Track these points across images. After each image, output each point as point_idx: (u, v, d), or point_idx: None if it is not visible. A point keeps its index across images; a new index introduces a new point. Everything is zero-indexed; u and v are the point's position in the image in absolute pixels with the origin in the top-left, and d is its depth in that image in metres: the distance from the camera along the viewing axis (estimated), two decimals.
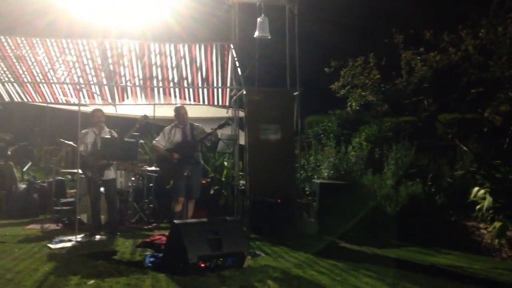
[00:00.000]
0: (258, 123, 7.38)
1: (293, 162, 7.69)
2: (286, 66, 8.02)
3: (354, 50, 7.57)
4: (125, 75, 8.59)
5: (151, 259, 4.94)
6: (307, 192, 8.21)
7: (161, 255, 5.03)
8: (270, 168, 7.26)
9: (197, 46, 8.25)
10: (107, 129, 6.69)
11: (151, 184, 8.01)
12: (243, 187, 7.66)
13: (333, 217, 7.04)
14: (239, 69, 7.66)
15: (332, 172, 8.56)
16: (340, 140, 9.44)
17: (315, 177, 8.80)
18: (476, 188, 6.10)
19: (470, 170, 6.81)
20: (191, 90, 8.91)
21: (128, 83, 8.68)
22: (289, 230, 6.88)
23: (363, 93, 7.13)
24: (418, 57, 6.69)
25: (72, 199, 7.81)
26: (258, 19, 7.82)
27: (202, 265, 4.50)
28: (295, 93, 7.64)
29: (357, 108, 7.53)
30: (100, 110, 6.81)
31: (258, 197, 7.07)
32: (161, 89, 9.04)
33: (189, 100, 9.09)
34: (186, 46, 8.25)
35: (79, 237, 6.05)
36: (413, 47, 6.71)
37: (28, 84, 8.70)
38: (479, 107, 6.97)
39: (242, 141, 7.96)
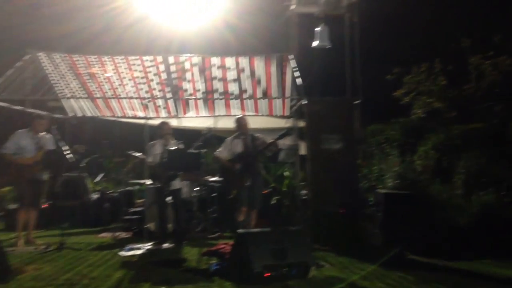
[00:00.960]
0: (319, 133, 7.33)
1: (356, 171, 7.57)
2: (345, 75, 7.94)
3: (417, 56, 7.38)
4: (188, 89, 8.88)
5: (217, 267, 5.03)
6: (371, 203, 8.03)
7: (226, 263, 5.11)
8: (332, 178, 7.18)
9: (256, 58, 8.38)
10: (174, 141, 6.92)
11: (214, 194, 8.17)
12: (305, 197, 7.62)
13: (399, 228, 6.83)
14: (298, 80, 7.67)
15: (397, 182, 8.32)
16: (405, 149, 9.17)
17: (379, 187, 8.59)
18: None
19: None
20: (251, 101, 9.04)
21: (191, 97, 8.96)
22: (353, 241, 6.75)
23: (429, 100, 6.91)
24: (487, 62, 6.40)
25: (140, 209, 8.13)
26: (317, 29, 7.81)
27: (267, 274, 4.52)
28: (356, 102, 7.54)
29: (422, 115, 7.30)
30: (167, 123, 7.07)
31: (320, 207, 7.01)
32: (222, 101, 9.24)
33: (249, 111, 9.22)
34: (246, 58, 8.39)
35: (148, 245, 6.28)
36: (481, 51, 6.43)
37: (99, 100, 9.22)
38: None
39: (302, 151, 7.94)
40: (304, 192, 7.85)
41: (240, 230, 5.04)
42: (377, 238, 6.84)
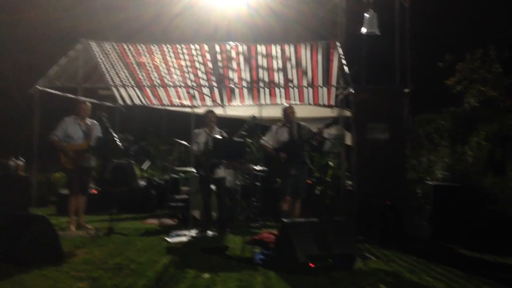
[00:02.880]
0: (366, 122, 7.16)
1: (403, 162, 7.35)
2: (394, 62, 7.70)
3: (471, 42, 7.03)
4: (233, 78, 8.89)
5: (261, 257, 5.04)
6: (419, 194, 7.80)
7: (270, 252, 5.11)
8: (378, 169, 7.00)
9: (303, 46, 8.26)
10: (217, 129, 6.96)
11: (257, 183, 8.19)
12: (350, 188, 7.50)
13: (448, 221, 6.60)
14: (345, 67, 7.50)
15: (447, 173, 8.04)
16: (456, 140, 8.83)
17: (428, 178, 8.33)
18: None
19: None
20: (296, 90, 8.95)
21: (236, 85, 8.97)
22: (399, 233, 6.58)
23: (483, 88, 6.59)
24: None
25: (185, 196, 8.27)
26: (366, 15, 7.60)
27: (311, 265, 4.48)
28: (405, 90, 7.30)
29: (476, 104, 6.98)
30: (211, 111, 7.11)
31: (366, 198, 6.87)
32: (267, 90, 9.20)
33: (294, 100, 9.14)
34: (292, 46, 8.30)
35: (192, 232, 6.38)
36: None
37: (147, 88, 9.40)
38: None
39: (348, 141, 7.79)
40: (349, 182, 7.72)
41: (285, 220, 5.02)
42: (425, 231, 6.65)
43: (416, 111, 9.89)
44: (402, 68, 7.51)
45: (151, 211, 8.39)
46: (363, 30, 7.68)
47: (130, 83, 9.22)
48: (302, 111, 9.26)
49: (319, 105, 9.35)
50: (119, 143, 6.43)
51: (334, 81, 8.29)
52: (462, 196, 6.81)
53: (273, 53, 8.43)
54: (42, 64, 8.30)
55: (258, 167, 8.10)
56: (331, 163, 8.98)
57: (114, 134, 6.55)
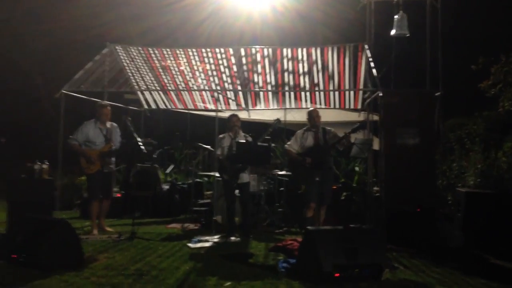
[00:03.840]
0: (395, 127, 6.93)
1: (434, 168, 7.08)
2: (425, 65, 7.44)
3: (506, 44, 6.73)
4: (258, 82, 8.80)
5: (284, 265, 4.88)
6: (450, 201, 7.50)
7: (293, 261, 4.95)
8: (408, 175, 6.77)
9: (330, 48, 8.10)
10: (242, 133, 6.85)
11: (282, 188, 8.04)
12: (377, 194, 7.27)
13: (481, 230, 6.30)
14: (373, 70, 7.30)
15: (479, 180, 7.70)
16: (489, 145, 8.47)
17: (459, 185, 8.00)
18: None
19: None
20: (322, 93, 8.79)
21: (261, 89, 8.87)
22: (430, 242, 6.32)
23: None
24: None
25: (208, 201, 8.19)
26: (396, 16, 7.39)
27: (337, 274, 4.30)
28: (436, 94, 7.04)
29: (510, 108, 6.67)
30: (235, 115, 7.01)
31: (394, 206, 6.63)
32: (292, 94, 9.07)
33: (320, 104, 8.98)
34: (318, 49, 8.15)
35: (215, 238, 6.28)
36: None
37: (171, 92, 9.40)
38: None
39: (375, 146, 7.58)
40: (376, 189, 7.49)
41: (310, 227, 4.86)
42: (457, 240, 6.36)
43: (448, 115, 9.58)
44: (433, 71, 7.24)
45: (174, 216, 8.35)
46: (393, 32, 7.47)
47: (155, 87, 9.23)
48: (328, 115, 9.11)
49: (346, 109, 9.17)
50: (143, 147, 6.39)
51: (361, 84, 8.10)
52: (495, 204, 6.50)
53: (299, 56, 8.31)
54: (71, 72, 8.40)
55: (282, 172, 7.96)
56: (357, 169, 8.77)
57: (138, 139, 6.52)
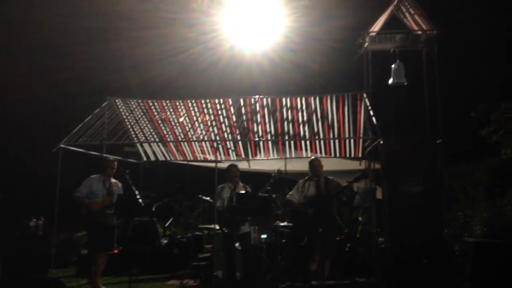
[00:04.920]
0: (397, 175, 6.81)
1: (440, 217, 6.91)
2: (424, 112, 7.45)
3: (505, 91, 6.76)
4: (258, 131, 8.79)
5: None
6: (457, 252, 7.26)
7: None
8: (413, 224, 6.58)
9: (328, 97, 8.15)
10: (241, 184, 6.74)
11: (284, 240, 7.81)
12: (382, 245, 7.05)
13: (491, 281, 6.05)
14: (374, 118, 7.28)
15: (486, 229, 7.50)
16: (493, 193, 8.32)
17: (466, 234, 7.78)
18: None
19: None
20: (322, 142, 8.75)
21: (261, 139, 8.84)
22: None
23: None
24: None
25: (208, 254, 7.94)
26: (393, 66, 7.48)
27: None
28: (437, 141, 6.99)
29: None
30: (235, 166, 6.93)
31: (401, 256, 6.41)
32: (292, 143, 9.03)
33: (320, 153, 8.92)
34: (317, 98, 8.20)
35: None
36: None
37: (171, 144, 9.37)
38: None
39: (378, 195, 7.44)
40: (381, 239, 7.27)
41: (314, 283, 4.64)
42: None
43: (449, 163, 9.50)
44: (433, 118, 7.24)
45: (173, 271, 8.06)
46: (391, 81, 7.53)
47: (154, 138, 9.20)
48: (329, 164, 9.01)
49: (347, 158, 9.10)
50: (140, 200, 6.26)
51: (361, 132, 8.07)
52: (505, 254, 6.29)
53: (298, 105, 8.34)
54: (70, 123, 8.40)
55: (284, 223, 7.76)
56: (360, 218, 8.58)
57: (136, 192, 6.41)
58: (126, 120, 9.02)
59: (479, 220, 7.71)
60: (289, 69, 12.23)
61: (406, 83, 7.56)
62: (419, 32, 7.70)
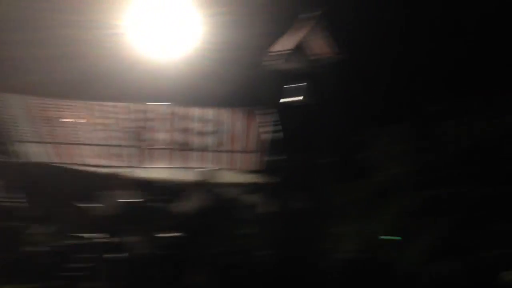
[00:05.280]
0: (286, 190, 7.10)
1: (320, 233, 7.26)
2: (316, 132, 7.84)
3: (389, 117, 7.36)
4: (149, 139, 8.57)
5: None
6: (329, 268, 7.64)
7: None
8: (294, 239, 6.87)
9: (223, 110, 8.24)
10: (127, 192, 6.50)
11: (167, 251, 7.63)
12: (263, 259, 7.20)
13: None
14: (266, 135, 7.50)
15: (357, 246, 8.02)
16: (366, 212, 8.94)
17: (340, 251, 8.23)
18: None
19: None
20: (213, 154, 8.78)
21: (152, 146, 8.62)
22: None
23: (396, 163, 6.80)
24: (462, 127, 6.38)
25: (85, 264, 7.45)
26: (291, 85, 7.81)
27: None
28: (323, 160, 7.35)
29: (389, 178, 7.17)
30: (119, 173, 6.69)
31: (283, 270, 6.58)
32: (184, 153, 8.93)
33: (210, 163, 8.92)
34: (212, 110, 8.25)
35: None
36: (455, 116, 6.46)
37: (59, 146, 8.76)
38: None
39: (265, 208, 7.61)
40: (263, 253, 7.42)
41: None
42: None
43: (335, 182, 10.04)
44: (323, 138, 7.65)
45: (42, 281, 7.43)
46: (289, 99, 7.83)
47: (32, 138, 8.55)
48: (220, 176, 9.06)
49: (238, 171, 9.21)
50: None
51: (254, 147, 8.25)
52: (372, 269, 6.78)
53: (193, 115, 8.30)
54: None
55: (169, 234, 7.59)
56: (245, 231, 8.67)
57: None
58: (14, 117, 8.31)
59: (351, 237, 8.25)
60: (198, 77, 12.02)
61: (304, 102, 7.89)
62: (323, 56, 8.09)
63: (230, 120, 8.29)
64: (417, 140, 6.75)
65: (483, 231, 7.08)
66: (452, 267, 6.58)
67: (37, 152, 8.92)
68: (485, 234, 7.04)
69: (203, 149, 8.58)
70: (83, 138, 8.58)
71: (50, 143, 8.62)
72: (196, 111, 8.27)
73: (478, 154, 6.60)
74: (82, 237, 8.57)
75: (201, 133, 8.43)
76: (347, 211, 9.83)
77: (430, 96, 6.91)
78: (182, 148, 8.63)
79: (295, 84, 7.86)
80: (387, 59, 7.93)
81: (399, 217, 8.62)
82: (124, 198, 6.29)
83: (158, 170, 9.24)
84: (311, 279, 6.53)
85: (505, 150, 6.49)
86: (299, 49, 8.14)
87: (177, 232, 6.89)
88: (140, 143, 8.56)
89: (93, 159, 8.97)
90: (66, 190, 9.16)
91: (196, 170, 8.11)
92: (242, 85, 8.23)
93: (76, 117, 8.45)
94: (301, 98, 7.86)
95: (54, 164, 9.31)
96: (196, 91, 8.54)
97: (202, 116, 8.31)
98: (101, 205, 6.34)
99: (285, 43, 8.10)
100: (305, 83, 7.89)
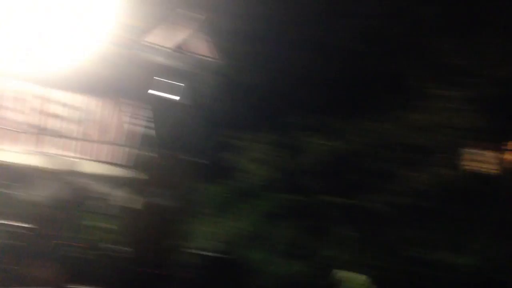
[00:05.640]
0: (151, 187, 7.08)
1: (180, 230, 7.33)
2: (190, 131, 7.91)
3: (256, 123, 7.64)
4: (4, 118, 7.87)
5: None
6: (188, 264, 7.78)
7: None
8: (154, 235, 6.86)
9: (92, 98, 7.90)
10: None
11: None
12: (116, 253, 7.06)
13: None
14: (136, 129, 7.36)
15: (215, 244, 8.24)
16: (226, 211, 9.24)
17: (198, 248, 8.40)
18: None
19: None
20: (74, 142, 8.35)
21: (4, 127, 7.91)
22: None
23: (258, 167, 7.14)
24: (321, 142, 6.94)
25: None
26: (166, 81, 7.77)
27: None
28: (193, 160, 7.46)
29: (249, 180, 7.52)
30: None
31: (134, 266, 6.53)
32: (40, 137, 8.34)
33: (71, 151, 8.46)
34: (80, 96, 7.86)
35: None
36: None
37: None
38: None
39: (127, 203, 7.48)
40: (123, 248, 7.26)
41: None
42: None
43: (202, 181, 10.16)
44: (195, 138, 7.75)
45: None
46: (164, 95, 7.78)
47: None
48: (88, 167, 8.64)
49: (104, 162, 8.88)
50: None
51: (123, 140, 8.03)
52: (228, 268, 7.06)
53: (57, 99, 7.82)
54: None
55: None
56: (99, 224, 8.38)
57: None
58: None
59: (210, 235, 8.48)
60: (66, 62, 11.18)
61: (181, 101, 7.90)
62: (203, 58, 8.17)
63: (99, 110, 7.96)
64: (280, 148, 7.20)
65: (325, 235, 7.80)
66: (297, 266, 7.06)
67: None
68: (326, 238, 7.76)
69: (66, 136, 8.11)
70: None
71: None
72: (60, 95, 7.78)
73: (331, 167, 7.25)
74: None
75: (64, 119, 7.96)
76: (208, 210, 10.10)
77: (298, 109, 7.38)
78: (40, 132, 8.07)
79: (170, 81, 7.85)
80: (262, 69, 8.30)
81: (256, 218, 9.09)
82: None
83: (11, 153, 8.53)
84: (166, 274, 6.56)
85: (354, 166, 7.18)
86: (178, 47, 8.15)
87: (23, 221, 6.42)
88: None
89: None
90: None
91: (54, 157, 7.64)
92: (113, 75, 7.96)
93: None
94: (176, 96, 7.87)
95: None
96: (63, 76, 8.05)
97: (68, 102, 7.84)
98: None
99: (160, 37, 8.02)
100: (182, 83, 7.91)
